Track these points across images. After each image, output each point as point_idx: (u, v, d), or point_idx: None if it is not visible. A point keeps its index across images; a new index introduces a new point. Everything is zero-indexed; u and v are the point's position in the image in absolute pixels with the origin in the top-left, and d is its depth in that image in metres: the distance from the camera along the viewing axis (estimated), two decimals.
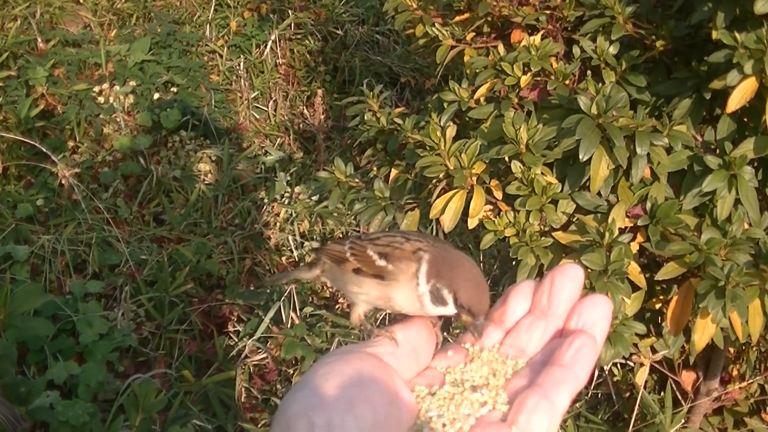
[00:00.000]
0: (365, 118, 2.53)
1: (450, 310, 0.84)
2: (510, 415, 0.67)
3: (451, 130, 2.01)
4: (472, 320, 0.84)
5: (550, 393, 0.66)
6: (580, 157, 1.80)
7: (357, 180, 2.52)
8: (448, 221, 2.01)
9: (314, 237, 3.48)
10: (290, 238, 3.40)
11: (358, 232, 3.57)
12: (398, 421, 0.66)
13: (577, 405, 2.53)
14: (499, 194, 2.02)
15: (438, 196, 2.04)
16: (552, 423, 0.65)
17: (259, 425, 2.55)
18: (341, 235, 3.55)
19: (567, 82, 2.06)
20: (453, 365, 0.75)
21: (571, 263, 0.74)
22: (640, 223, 1.89)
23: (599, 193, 1.91)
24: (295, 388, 0.66)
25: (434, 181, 2.15)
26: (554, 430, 0.66)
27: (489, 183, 2.01)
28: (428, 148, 1.99)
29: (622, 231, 1.88)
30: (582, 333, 0.69)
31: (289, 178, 3.68)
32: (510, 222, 1.95)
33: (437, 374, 0.74)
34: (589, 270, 1.79)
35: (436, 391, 0.71)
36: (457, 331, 2.85)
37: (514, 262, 2.10)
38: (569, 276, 0.73)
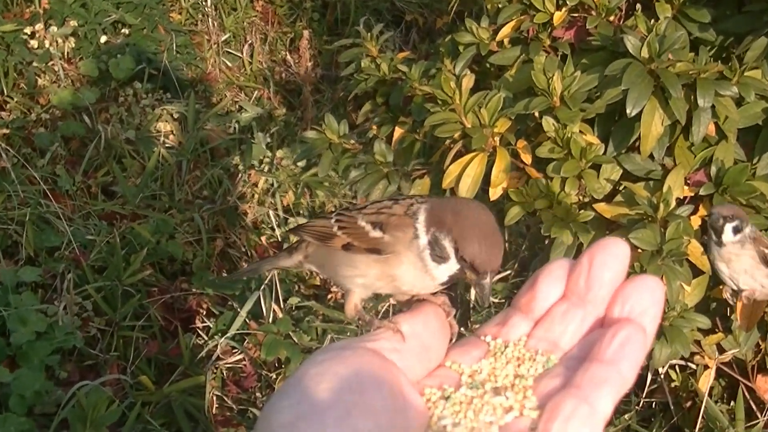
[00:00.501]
0: (362, 65, 2.51)
1: (451, 266, 0.84)
2: (541, 424, 0.66)
3: (468, 80, 2.00)
4: (476, 277, 0.83)
5: (590, 396, 0.65)
6: (628, 111, 1.78)
7: (353, 141, 2.51)
8: (465, 191, 2.00)
9: (300, 212, 3.47)
10: (271, 213, 3.40)
11: (354, 203, 3.55)
12: (405, 428, 0.66)
13: (626, 417, 2.53)
14: (527, 158, 2.01)
15: (452, 161, 2.03)
16: None
17: None
18: (334, 209, 3.54)
19: (611, 18, 2.03)
20: (471, 363, 0.74)
21: (614, 238, 0.73)
22: (702, 192, 1.88)
23: (651, 156, 1.90)
24: (279, 394, 0.66)
25: (448, 142, 2.14)
26: None
27: (515, 144, 2.00)
28: (440, 103, 1.98)
29: (680, 202, 1.87)
30: (628, 322, 0.68)
31: (269, 139, 3.66)
32: (541, 192, 1.94)
33: (452, 374, 0.74)
34: (638, 250, 1.78)
35: (450, 394, 0.71)
36: (477, 325, 2.85)
37: (546, 241, 2.10)
38: (612, 253, 0.72)
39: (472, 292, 2.82)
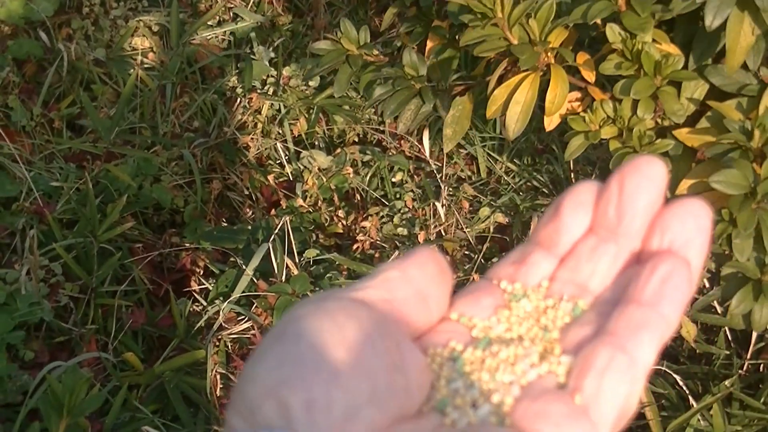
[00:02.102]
0: None
1: None
2: (572, 379, 0.65)
3: None
4: None
5: (628, 343, 0.65)
6: (707, 23, 1.77)
7: (376, 52, 2.51)
8: (514, 123, 2.01)
9: (316, 143, 3.48)
10: (279, 145, 3.41)
11: (381, 130, 3.56)
12: (407, 391, 0.65)
13: (727, 383, 2.53)
14: (590, 76, 2.00)
15: (497, 84, 2.02)
16: (633, 386, 0.64)
17: None
18: (356, 140, 3.55)
19: None
20: (483, 315, 0.74)
21: (648, 156, 0.70)
22: None
23: (744, 66, 1.88)
24: (256, 357, 0.65)
25: (491, 55, 2.13)
26: (637, 396, 0.65)
27: (574, 60, 1.98)
28: (478, 16, 1.96)
29: None
30: (669, 255, 0.68)
31: (272, 54, 3.67)
32: (608, 117, 1.94)
33: (460, 329, 0.73)
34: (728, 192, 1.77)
35: (460, 353, 0.70)
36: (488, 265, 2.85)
37: None
38: (646, 175, 0.70)
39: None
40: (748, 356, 2.61)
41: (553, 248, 0.75)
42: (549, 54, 1.94)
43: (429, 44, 2.43)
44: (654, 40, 1.86)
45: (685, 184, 1.89)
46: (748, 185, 1.71)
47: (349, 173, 3.33)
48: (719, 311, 2.55)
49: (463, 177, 3.53)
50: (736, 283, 1.93)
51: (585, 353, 0.66)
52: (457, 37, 2.37)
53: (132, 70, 3.57)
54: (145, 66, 3.64)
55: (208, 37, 3.79)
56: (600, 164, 3.06)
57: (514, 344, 0.69)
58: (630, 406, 0.64)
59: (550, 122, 2.00)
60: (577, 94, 2.03)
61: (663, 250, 0.69)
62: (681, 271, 0.67)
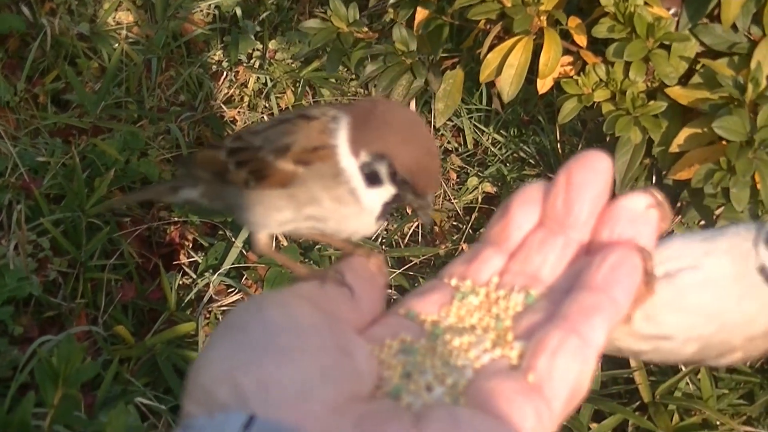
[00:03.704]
0: None
1: (386, 191, 0.85)
2: (525, 361, 0.70)
3: None
4: (418, 199, 0.84)
5: (579, 326, 0.69)
6: None
7: (365, 29, 2.50)
8: (508, 86, 2.01)
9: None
10: (266, 119, 3.39)
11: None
12: (356, 373, 0.69)
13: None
14: (582, 40, 2.00)
15: (490, 49, 2.01)
16: (585, 366, 0.69)
17: None
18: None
19: None
20: (434, 311, 0.78)
21: (594, 151, 0.76)
22: None
23: (735, 27, 1.88)
24: (209, 346, 0.70)
25: (483, 23, 2.12)
26: (589, 376, 0.69)
27: (566, 23, 1.98)
28: None
29: None
30: (618, 245, 0.73)
31: (258, 28, 3.65)
32: (601, 81, 1.94)
33: (410, 324, 0.77)
34: (724, 142, 1.78)
35: (411, 343, 0.74)
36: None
37: (609, 139, 2.09)
38: (593, 168, 0.76)
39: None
40: None
41: (503, 244, 0.80)
42: (542, 18, 1.94)
43: (417, 18, 2.43)
44: (646, 3, 1.86)
45: (681, 137, 1.90)
46: (746, 133, 1.72)
47: None
48: None
49: (450, 149, 3.53)
50: None
51: (538, 336, 0.71)
52: (446, 10, 2.36)
53: (117, 45, 3.54)
54: (130, 40, 3.61)
55: (194, 11, 3.77)
56: (586, 135, 3.07)
57: (467, 333, 0.75)
58: (582, 385, 0.70)
59: (543, 85, 2.00)
60: (569, 58, 2.03)
61: (613, 240, 0.75)
62: (630, 259, 0.73)
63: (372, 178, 0.86)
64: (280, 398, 0.64)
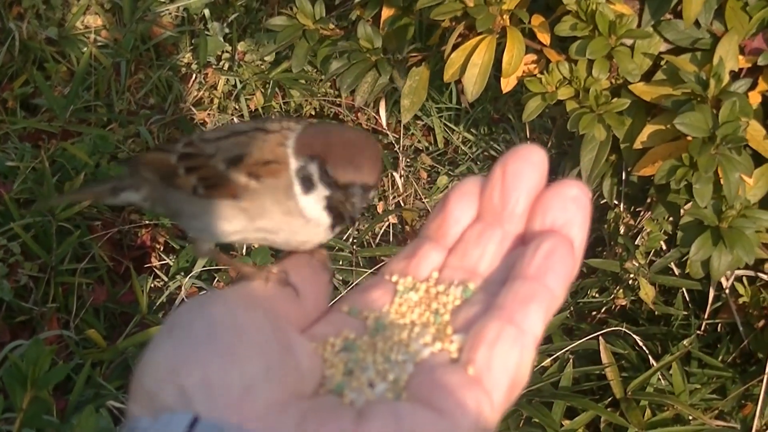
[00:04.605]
0: None
1: (319, 192, 0.86)
2: (464, 354, 0.71)
3: None
4: (341, 194, 0.85)
5: (516, 315, 0.71)
6: None
7: (332, 26, 2.50)
8: (472, 85, 2.02)
9: (273, 117, 3.47)
10: (236, 120, 3.39)
11: (337, 103, 3.56)
12: (299, 371, 0.70)
13: (685, 342, 2.56)
14: (545, 38, 2.01)
15: (454, 48, 2.02)
16: (524, 355, 0.70)
17: None
18: (313, 113, 3.55)
19: None
20: (375, 308, 0.79)
21: (529, 144, 0.77)
22: (761, 61, 1.88)
23: (697, 23, 1.90)
24: (151, 347, 0.70)
25: (447, 21, 2.13)
26: (528, 364, 0.70)
27: (530, 22, 1.99)
28: None
29: (735, 76, 1.87)
30: (551, 234, 0.74)
31: (227, 30, 3.64)
32: (565, 78, 1.95)
33: (352, 321, 0.79)
34: (687, 138, 1.79)
35: (353, 340, 0.76)
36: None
37: (575, 138, 2.11)
38: (528, 161, 0.77)
39: None
40: (706, 316, 2.63)
41: (441, 240, 0.82)
42: (504, 17, 1.95)
43: (383, 15, 2.43)
44: (607, 0, 1.88)
45: (644, 134, 1.91)
46: (708, 129, 1.73)
47: None
48: (677, 273, 2.57)
49: (421, 148, 3.53)
50: (694, 231, 1.96)
51: (476, 329, 0.72)
52: (411, 8, 2.37)
53: (85, 48, 3.53)
54: (99, 44, 3.60)
55: (161, 14, 3.76)
56: (556, 132, 3.08)
57: (407, 328, 0.76)
58: (522, 375, 0.71)
59: (507, 84, 2.01)
60: (533, 57, 2.04)
61: (545, 229, 0.76)
62: (563, 246, 0.74)
63: (306, 183, 0.87)
64: (223, 398, 0.65)
